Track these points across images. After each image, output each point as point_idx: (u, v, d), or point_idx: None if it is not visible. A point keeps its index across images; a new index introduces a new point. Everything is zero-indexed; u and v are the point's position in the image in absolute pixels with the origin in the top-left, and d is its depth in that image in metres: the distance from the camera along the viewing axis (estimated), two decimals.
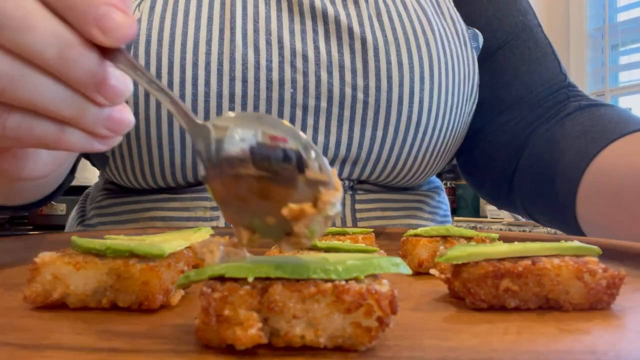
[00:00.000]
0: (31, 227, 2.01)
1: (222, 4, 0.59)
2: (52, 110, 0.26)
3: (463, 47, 0.66)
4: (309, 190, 0.22)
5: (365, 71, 0.59)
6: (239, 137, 0.24)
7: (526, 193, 0.68)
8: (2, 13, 0.24)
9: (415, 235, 0.39)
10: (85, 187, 0.85)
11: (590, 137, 0.59)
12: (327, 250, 0.34)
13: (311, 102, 0.59)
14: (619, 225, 0.54)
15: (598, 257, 0.29)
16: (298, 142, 0.23)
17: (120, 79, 0.27)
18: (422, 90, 0.61)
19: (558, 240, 0.30)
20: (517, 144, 0.69)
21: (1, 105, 0.26)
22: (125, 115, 0.29)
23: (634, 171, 0.51)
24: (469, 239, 0.38)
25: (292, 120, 0.59)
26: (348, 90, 0.59)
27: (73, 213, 0.80)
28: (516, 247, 0.28)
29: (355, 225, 0.64)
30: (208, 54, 0.56)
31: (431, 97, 0.61)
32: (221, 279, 0.21)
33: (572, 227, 0.61)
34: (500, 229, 1.45)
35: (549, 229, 1.05)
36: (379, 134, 0.61)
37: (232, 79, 0.57)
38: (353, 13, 0.61)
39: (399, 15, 0.62)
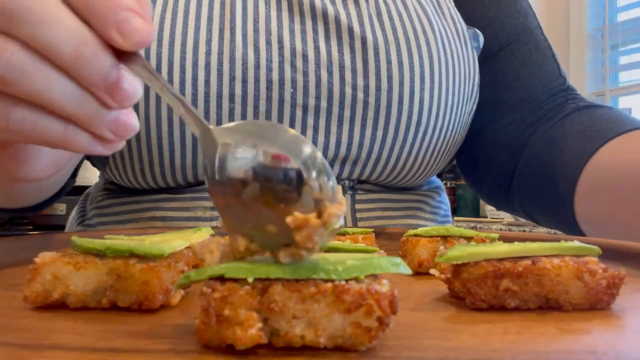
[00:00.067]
0: (31, 227, 2.01)
1: (222, 3, 0.59)
2: (59, 106, 0.27)
3: (463, 46, 0.66)
4: (313, 203, 0.22)
5: (366, 71, 0.59)
6: (242, 156, 0.24)
7: (525, 193, 0.68)
8: (22, 6, 0.25)
9: (415, 235, 0.39)
10: (85, 187, 0.85)
11: (588, 136, 0.60)
12: (327, 250, 0.34)
13: (311, 101, 0.59)
14: (618, 222, 0.55)
15: (598, 257, 0.29)
16: (300, 160, 0.23)
17: (131, 83, 0.27)
18: (422, 90, 0.61)
19: (558, 240, 0.30)
20: (517, 145, 0.70)
21: (8, 98, 0.27)
22: (131, 119, 0.29)
23: (631, 167, 0.52)
24: (469, 239, 0.38)
25: (292, 120, 0.59)
26: (348, 90, 0.59)
27: (73, 213, 0.80)
28: (516, 247, 0.28)
29: (355, 225, 0.64)
30: (208, 53, 0.56)
31: (431, 96, 0.61)
32: (221, 279, 0.21)
33: (571, 226, 0.62)
34: (500, 229, 1.45)
35: (548, 229, 1.05)
36: (379, 133, 0.61)
37: (232, 79, 0.57)
38: (353, 13, 0.61)
39: (399, 14, 0.62)
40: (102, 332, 0.23)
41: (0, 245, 0.45)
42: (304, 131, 0.60)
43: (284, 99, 0.58)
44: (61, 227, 1.07)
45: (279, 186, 0.23)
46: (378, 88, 0.60)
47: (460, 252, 0.28)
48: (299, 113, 0.59)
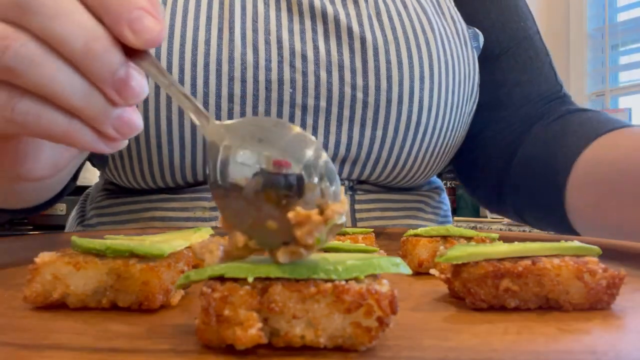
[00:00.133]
0: (31, 227, 2.01)
1: (221, 3, 0.58)
2: (65, 99, 0.27)
3: (463, 46, 0.66)
4: (316, 200, 0.22)
5: (365, 71, 0.59)
6: (243, 162, 0.24)
7: (517, 193, 0.69)
8: None
9: (415, 235, 0.39)
10: (85, 188, 0.85)
11: (579, 135, 0.61)
12: (327, 250, 0.34)
13: (310, 102, 0.59)
14: (607, 213, 0.56)
15: (598, 257, 0.29)
16: (301, 164, 0.23)
17: (139, 81, 0.27)
18: (421, 89, 0.61)
19: (558, 240, 0.30)
20: (512, 147, 0.70)
21: (15, 89, 0.27)
22: (135, 118, 0.29)
23: (618, 160, 0.54)
24: (469, 239, 0.39)
25: (291, 121, 0.59)
26: (347, 90, 0.59)
27: (73, 213, 0.80)
28: (516, 247, 0.28)
29: (354, 226, 0.64)
30: (207, 54, 0.56)
31: (431, 96, 0.61)
32: (221, 279, 0.21)
33: (563, 225, 0.63)
34: (500, 229, 1.45)
35: (540, 230, 1.06)
36: (379, 133, 0.61)
37: (231, 79, 0.57)
38: (352, 12, 0.61)
39: (399, 14, 0.62)
40: (102, 332, 0.23)
41: (0, 245, 0.45)
42: None
43: (283, 99, 0.58)
44: (61, 227, 1.07)
45: (280, 191, 0.23)
46: (377, 88, 0.59)
47: (460, 252, 0.28)
48: (298, 113, 0.59)
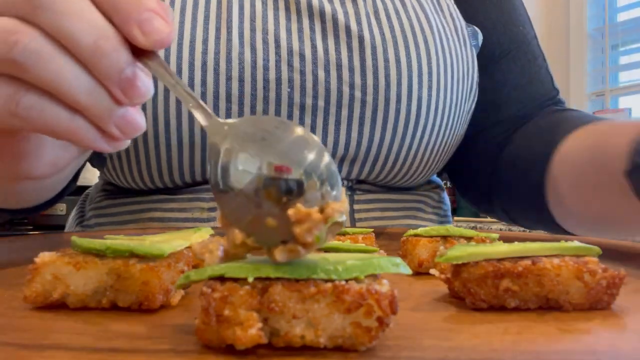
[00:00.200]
0: (31, 227, 2.00)
1: (219, 2, 0.58)
2: (70, 95, 0.27)
3: (462, 45, 0.66)
4: (316, 199, 0.22)
5: (363, 69, 0.59)
6: (244, 167, 0.24)
7: (503, 192, 0.70)
8: None
9: (415, 235, 0.39)
10: (85, 188, 0.85)
11: (558, 129, 0.62)
12: (327, 250, 0.34)
13: (308, 101, 0.59)
14: (582, 202, 0.57)
15: (598, 257, 0.29)
16: (302, 169, 0.23)
17: (145, 82, 0.28)
18: (420, 88, 0.61)
19: (558, 240, 0.30)
20: (499, 150, 0.71)
21: (21, 83, 0.27)
22: (138, 118, 0.29)
23: (590, 149, 0.55)
24: (469, 239, 0.39)
25: (290, 120, 0.59)
26: (346, 89, 0.59)
27: (73, 213, 0.80)
28: (516, 247, 0.28)
29: (353, 226, 0.64)
30: (204, 53, 0.56)
31: (430, 95, 0.61)
32: (221, 279, 0.21)
33: (549, 223, 0.64)
34: (500, 229, 1.45)
35: (525, 228, 1.07)
36: (377, 132, 0.61)
37: (228, 79, 0.57)
38: (351, 11, 0.61)
39: (397, 12, 0.62)
40: (102, 332, 0.23)
41: (0, 245, 0.45)
42: None
43: (281, 98, 0.58)
44: (61, 227, 1.07)
45: (280, 195, 0.23)
46: (376, 87, 0.59)
47: (460, 252, 0.28)
48: (296, 112, 0.59)
